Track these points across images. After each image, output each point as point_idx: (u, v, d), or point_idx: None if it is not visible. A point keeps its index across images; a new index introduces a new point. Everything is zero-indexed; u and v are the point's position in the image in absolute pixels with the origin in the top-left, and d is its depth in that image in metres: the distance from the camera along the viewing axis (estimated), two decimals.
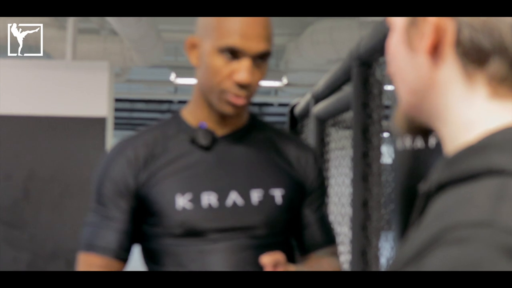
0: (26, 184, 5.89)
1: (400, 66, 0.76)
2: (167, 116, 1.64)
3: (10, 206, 5.89)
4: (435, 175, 0.69)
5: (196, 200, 1.47)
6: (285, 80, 10.58)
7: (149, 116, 15.12)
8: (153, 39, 7.31)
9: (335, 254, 1.66)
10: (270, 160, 1.57)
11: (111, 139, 5.98)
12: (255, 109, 15.28)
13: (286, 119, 4.31)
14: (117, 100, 12.85)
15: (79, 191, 5.68)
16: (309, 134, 3.44)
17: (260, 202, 1.50)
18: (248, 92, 1.46)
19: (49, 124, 5.89)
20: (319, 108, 3.03)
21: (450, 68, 0.69)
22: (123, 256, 1.49)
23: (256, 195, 1.50)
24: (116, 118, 12.17)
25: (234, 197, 1.49)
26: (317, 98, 3.14)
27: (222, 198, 1.48)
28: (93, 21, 7.81)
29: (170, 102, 14.32)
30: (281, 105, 14.16)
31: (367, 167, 2.06)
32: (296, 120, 4.14)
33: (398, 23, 0.76)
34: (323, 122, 3.13)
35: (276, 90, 12.96)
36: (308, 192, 1.61)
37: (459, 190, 0.63)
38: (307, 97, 3.48)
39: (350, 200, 2.22)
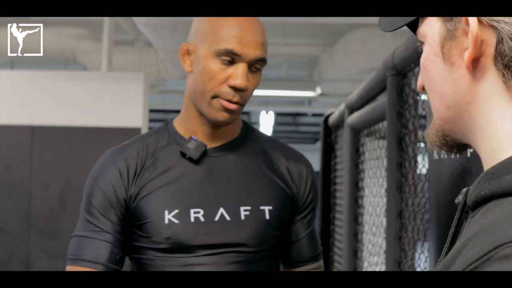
0: (62, 194, 5.96)
1: (436, 80, 0.75)
2: (159, 125, 1.61)
3: (47, 216, 5.96)
4: (476, 188, 0.68)
5: (183, 215, 1.44)
6: (319, 90, 10.56)
7: None
8: None
9: (321, 270, 1.64)
10: (261, 173, 1.54)
11: None
12: (289, 119, 15.26)
13: (320, 129, 4.30)
14: (152, 110, 12.96)
15: None
16: (344, 144, 3.43)
17: (249, 219, 1.47)
18: (241, 99, 1.45)
19: (85, 134, 5.96)
20: (353, 118, 3.02)
21: (491, 81, 0.69)
22: (112, 268, 1.45)
23: (244, 212, 1.47)
24: (150, 128, 12.27)
25: (222, 214, 1.46)
26: (352, 108, 3.13)
27: (210, 214, 1.45)
28: (128, 33, 7.90)
29: None
30: (315, 115, 14.12)
31: (402, 178, 2.04)
32: (330, 130, 4.13)
33: (432, 35, 0.75)
34: (357, 132, 3.12)
35: (310, 100, 12.94)
36: (299, 207, 1.58)
37: (505, 203, 0.62)
38: (341, 107, 3.47)
39: (385, 211, 2.20)
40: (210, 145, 1.53)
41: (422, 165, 1.92)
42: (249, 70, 1.45)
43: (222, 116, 1.46)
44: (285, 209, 1.53)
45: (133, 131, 5.96)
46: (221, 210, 1.46)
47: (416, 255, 1.97)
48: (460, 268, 0.59)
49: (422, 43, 0.78)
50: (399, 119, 2.04)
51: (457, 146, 0.79)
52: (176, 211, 1.45)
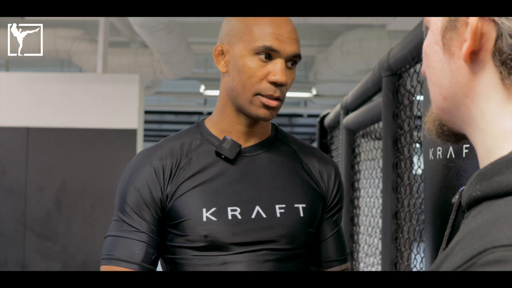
0: (58, 196, 5.96)
1: (435, 69, 0.74)
2: (189, 126, 1.63)
3: (43, 218, 5.96)
4: (469, 189, 0.67)
5: (221, 213, 1.46)
6: (314, 91, 10.57)
7: (179, 128, 15.16)
8: (183, 52, 7.36)
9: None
10: (294, 172, 1.56)
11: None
12: (285, 120, 15.28)
13: (315, 130, 4.30)
14: (147, 112, 12.95)
15: (110, 202, 5.73)
16: (339, 145, 3.43)
17: (284, 216, 1.49)
18: (281, 94, 1.47)
19: (80, 136, 5.96)
20: (349, 118, 3.02)
21: (489, 76, 0.68)
22: (147, 268, 1.45)
23: (279, 210, 1.49)
24: (146, 130, 12.26)
25: (258, 211, 1.48)
26: (347, 109, 3.13)
27: (246, 212, 1.47)
28: (123, 34, 7.89)
29: (199, 113, 14.39)
30: (310, 116, 14.14)
31: (398, 178, 2.04)
32: (325, 131, 4.13)
33: (435, 23, 0.74)
34: (353, 133, 3.12)
35: (305, 101, 12.96)
36: (327, 206, 1.60)
37: (494, 206, 0.61)
38: (337, 107, 3.47)
39: (381, 211, 2.20)
40: (244, 145, 1.55)
41: (418, 166, 1.93)
42: (286, 66, 1.47)
43: (263, 113, 1.48)
44: (317, 207, 1.56)
45: (129, 133, 5.95)
46: (257, 208, 1.48)
47: (412, 255, 1.97)
48: (445, 270, 0.58)
49: (427, 28, 0.77)
50: (394, 120, 2.04)
51: (454, 136, 0.79)
52: (213, 209, 1.46)
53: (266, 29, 1.45)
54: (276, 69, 1.44)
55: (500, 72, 0.67)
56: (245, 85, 1.46)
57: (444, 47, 0.72)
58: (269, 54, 1.45)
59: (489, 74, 0.68)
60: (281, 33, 1.45)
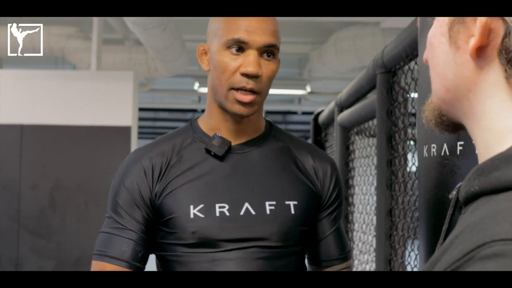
0: (52, 193, 5.94)
1: (440, 60, 0.74)
2: (184, 124, 1.64)
3: (37, 215, 5.94)
4: (467, 184, 0.67)
5: (208, 210, 1.46)
6: (308, 89, 10.57)
7: (173, 125, 15.17)
8: (177, 49, 7.35)
9: (349, 269, 1.66)
10: (286, 170, 1.56)
11: (136, 148, 6.01)
12: (279, 118, 15.27)
13: (310, 127, 4.30)
14: (142, 109, 12.93)
15: (104, 199, 5.69)
16: (334, 142, 3.43)
17: (274, 214, 1.48)
18: (256, 86, 1.46)
19: (74, 133, 5.95)
20: (343, 116, 3.02)
21: (494, 73, 0.68)
22: (137, 266, 1.48)
23: (269, 207, 1.49)
24: (140, 127, 12.24)
25: (247, 208, 1.48)
26: (341, 106, 3.14)
27: (235, 209, 1.47)
28: (117, 32, 7.88)
29: (194, 111, 14.37)
30: (305, 113, 14.14)
31: (392, 175, 2.05)
32: (320, 129, 4.13)
33: None
34: (347, 130, 3.12)
35: (299, 99, 12.96)
36: (324, 204, 1.59)
37: (493, 201, 0.61)
38: (331, 105, 3.48)
39: (375, 209, 2.20)
40: (235, 142, 1.55)
41: (412, 163, 1.93)
42: (262, 57, 1.47)
43: (238, 108, 1.48)
44: (310, 204, 1.55)
45: (123, 130, 5.94)
46: (246, 205, 1.48)
47: (406, 253, 1.97)
48: (443, 267, 0.58)
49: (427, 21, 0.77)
50: (388, 117, 2.04)
51: (452, 125, 0.79)
52: (201, 206, 1.47)
53: (236, 23, 1.46)
54: (248, 60, 1.44)
55: (505, 71, 0.67)
56: (221, 80, 1.47)
57: (450, 40, 0.72)
58: (240, 46, 1.46)
59: (495, 71, 0.68)
60: (250, 25, 1.45)
